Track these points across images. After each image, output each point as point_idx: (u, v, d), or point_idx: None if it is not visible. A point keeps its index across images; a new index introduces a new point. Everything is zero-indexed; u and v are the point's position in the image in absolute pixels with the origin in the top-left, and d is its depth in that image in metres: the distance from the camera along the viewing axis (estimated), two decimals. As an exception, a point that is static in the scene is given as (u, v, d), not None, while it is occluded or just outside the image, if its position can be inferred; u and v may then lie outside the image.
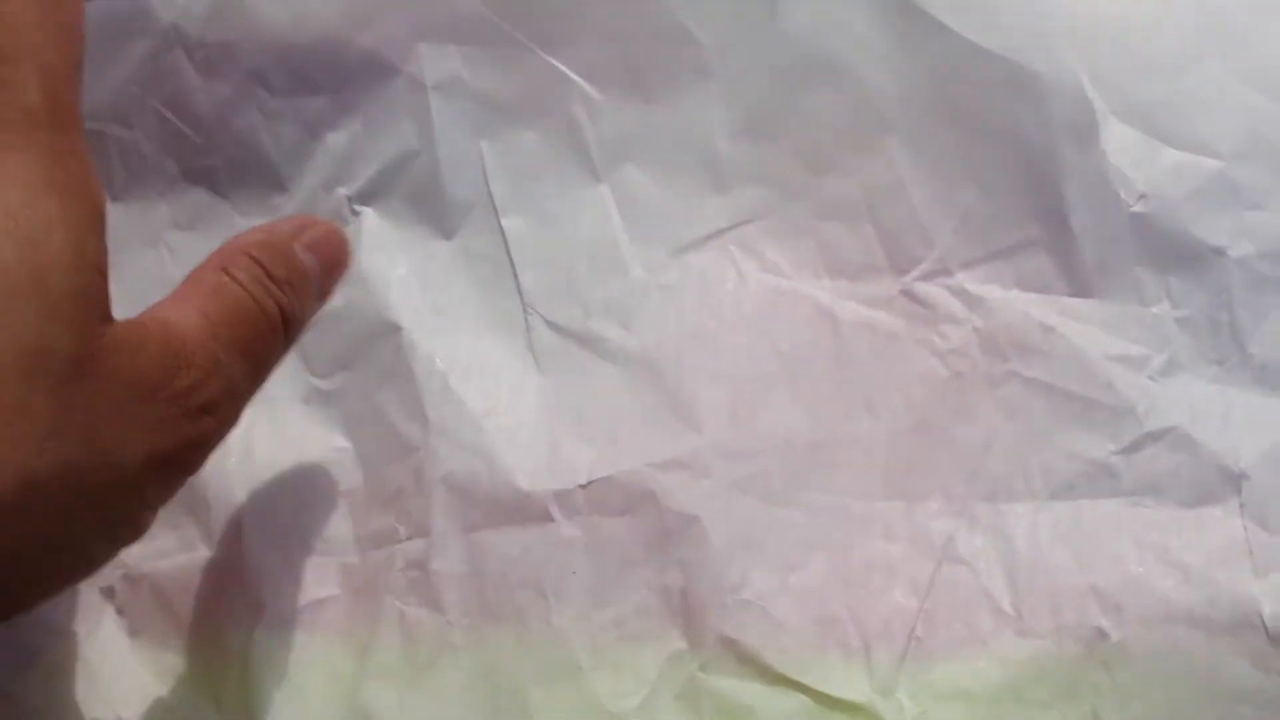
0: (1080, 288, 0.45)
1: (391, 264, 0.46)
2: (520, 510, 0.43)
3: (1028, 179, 0.45)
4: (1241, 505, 0.43)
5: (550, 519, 0.43)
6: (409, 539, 0.44)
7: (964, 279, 0.46)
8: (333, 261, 0.40)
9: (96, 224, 0.32)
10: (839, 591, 0.43)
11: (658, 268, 0.46)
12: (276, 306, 0.37)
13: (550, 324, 0.46)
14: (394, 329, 0.45)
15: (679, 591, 0.42)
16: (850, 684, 0.42)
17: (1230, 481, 0.43)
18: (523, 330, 0.46)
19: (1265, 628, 0.41)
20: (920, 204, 0.46)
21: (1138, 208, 0.45)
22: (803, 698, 0.42)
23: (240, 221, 0.47)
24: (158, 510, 0.34)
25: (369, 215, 0.47)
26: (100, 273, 0.31)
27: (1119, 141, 0.45)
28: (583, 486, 0.43)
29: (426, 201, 0.46)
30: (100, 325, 0.31)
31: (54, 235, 0.30)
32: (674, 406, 0.44)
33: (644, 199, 0.46)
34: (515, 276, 0.46)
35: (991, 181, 0.45)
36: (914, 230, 0.46)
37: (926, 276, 0.46)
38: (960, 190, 0.46)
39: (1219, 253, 0.45)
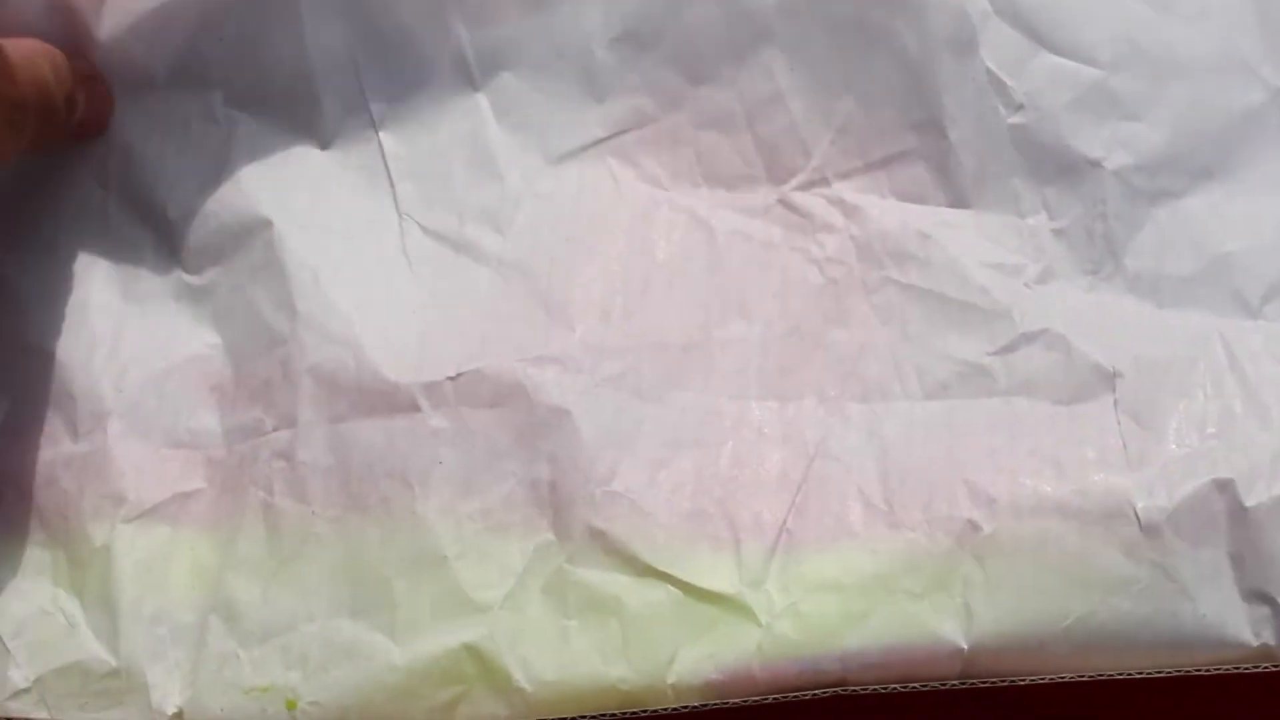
0: (958, 199, 0.44)
1: (265, 167, 0.43)
2: (387, 400, 0.40)
3: (906, 90, 0.44)
4: (1116, 401, 0.41)
5: (417, 409, 0.40)
6: (275, 430, 0.41)
7: (841, 189, 0.44)
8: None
9: None
10: (709, 486, 0.40)
11: (534, 176, 0.44)
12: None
13: (425, 229, 0.43)
14: (265, 224, 0.42)
15: (547, 484, 0.40)
16: (719, 575, 0.39)
17: (1104, 380, 0.41)
18: (396, 234, 0.43)
19: (1138, 518, 0.39)
20: (799, 115, 0.44)
21: (1015, 119, 0.44)
22: (671, 589, 0.39)
23: (113, 122, 0.44)
24: None
25: (242, 120, 0.44)
26: None
27: (1000, 45, 0.44)
28: (451, 379, 0.41)
29: (301, 109, 0.44)
30: None
31: None
32: (547, 306, 0.42)
33: (521, 107, 0.44)
34: (391, 186, 0.44)
35: (870, 93, 0.44)
36: (792, 141, 0.44)
37: (804, 186, 0.44)
38: (839, 101, 0.44)
39: (1095, 165, 0.44)
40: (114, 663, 0.39)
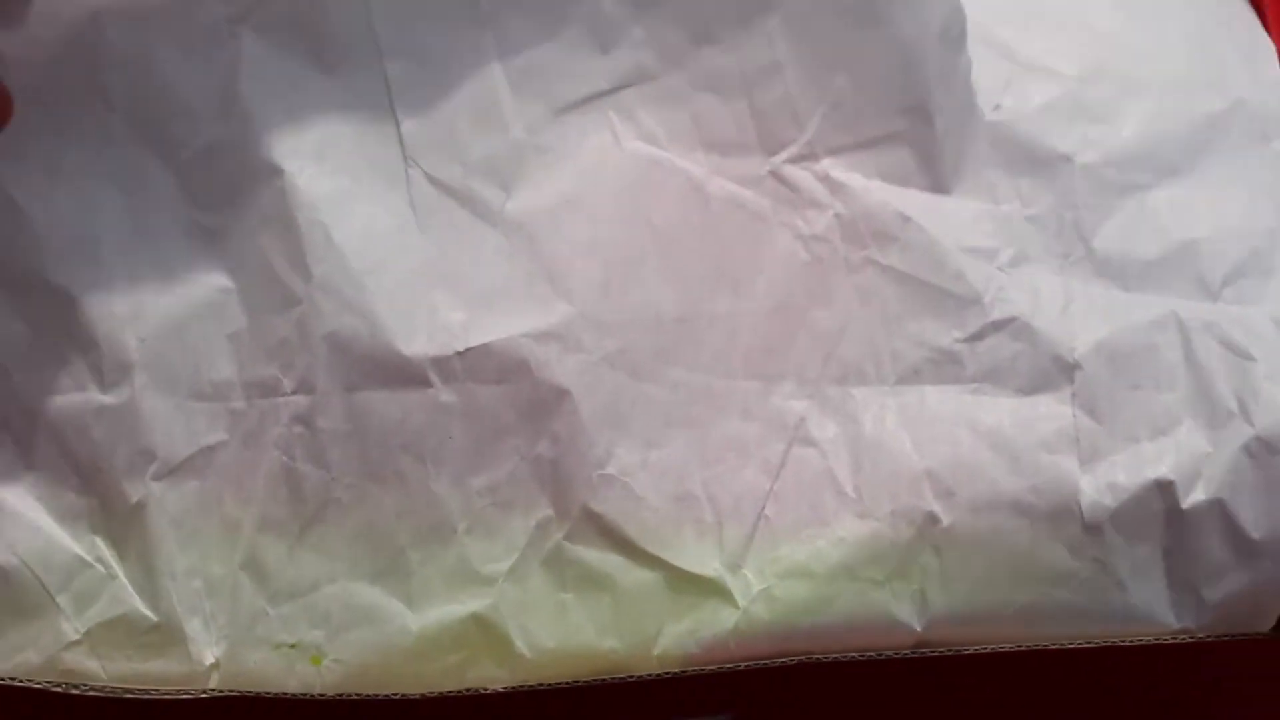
0: (937, 184, 0.45)
1: (270, 96, 0.42)
2: (400, 374, 0.42)
3: (898, 75, 0.44)
4: (1073, 394, 0.43)
5: (429, 384, 0.42)
6: (294, 394, 0.42)
7: (829, 165, 0.45)
8: None
9: None
10: (697, 469, 0.43)
11: (537, 127, 0.44)
12: None
13: (431, 178, 0.43)
14: (275, 171, 0.42)
15: (549, 462, 0.42)
16: (702, 559, 0.42)
17: (1064, 371, 0.44)
18: (403, 182, 0.43)
19: (1082, 516, 0.42)
20: (794, 87, 0.44)
21: (993, 117, 0.45)
22: (659, 570, 0.42)
23: (111, 35, 0.42)
24: None
25: (247, 38, 0.42)
26: None
27: (977, 59, 0.45)
28: (459, 354, 0.42)
29: (307, 32, 0.42)
30: None
31: None
32: (549, 276, 0.43)
33: (527, 51, 0.43)
34: (397, 124, 0.43)
35: (864, 74, 0.44)
36: (786, 112, 0.45)
37: (794, 160, 0.45)
38: (834, 78, 0.44)
39: (1066, 159, 0.46)
40: (154, 617, 0.41)
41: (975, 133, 0.45)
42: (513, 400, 0.42)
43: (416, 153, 0.43)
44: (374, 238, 0.42)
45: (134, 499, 0.41)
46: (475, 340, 0.42)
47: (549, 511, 0.42)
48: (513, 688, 0.41)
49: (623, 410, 0.43)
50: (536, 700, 0.40)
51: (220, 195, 0.42)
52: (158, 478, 0.42)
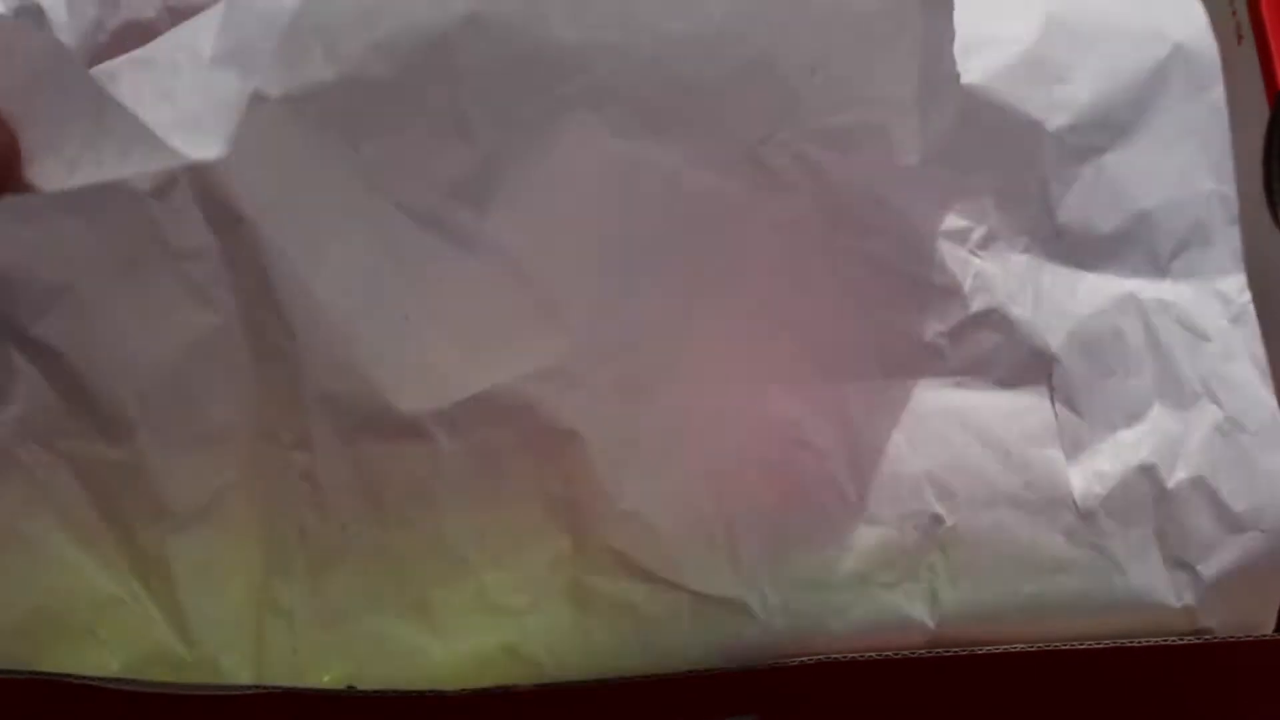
0: (908, 156, 0.44)
1: (218, 122, 0.38)
2: (398, 429, 0.40)
3: (871, 43, 0.42)
4: (1052, 388, 0.45)
5: (431, 437, 0.41)
6: (293, 449, 0.40)
7: (804, 142, 0.42)
8: None
9: None
10: (704, 487, 0.43)
11: (504, 136, 0.40)
12: None
13: (400, 206, 0.40)
14: (236, 219, 0.39)
15: (563, 501, 0.42)
16: (721, 580, 0.43)
17: (1042, 365, 0.45)
18: (370, 215, 0.40)
19: (1076, 506, 0.44)
20: (765, 62, 0.41)
21: (962, 79, 0.44)
22: (680, 594, 0.43)
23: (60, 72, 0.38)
24: None
25: (184, 54, 0.39)
26: None
27: None
28: (459, 403, 0.41)
29: (252, 43, 0.39)
30: None
31: None
32: (540, 303, 0.41)
33: (482, 63, 0.40)
34: (355, 147, 0.39)
35: (836, 44, 0.42)
36: (760, 89, 0.42)
37: (767, 139, 0.42)
38: (805, 49, 0.42)
39: (1035, 125, 0.46)
40: (189, 657, 0.40)
41: (947, 100, 0.43)
42: (519, 444, 0.41)
43: (380, 178, 0.40)
44: (352, 283, 0.40)
45: (153, 553, 0.40)
46: (474, 388, 0.41)
47: (568, 547, 0.42)
48: (542, 684, 0.41)
49: (629, 439, 0.42)
50: (565, 697, 0.41)
51: (190, 231, 0.39)
52: (174, 531, 0.40)
